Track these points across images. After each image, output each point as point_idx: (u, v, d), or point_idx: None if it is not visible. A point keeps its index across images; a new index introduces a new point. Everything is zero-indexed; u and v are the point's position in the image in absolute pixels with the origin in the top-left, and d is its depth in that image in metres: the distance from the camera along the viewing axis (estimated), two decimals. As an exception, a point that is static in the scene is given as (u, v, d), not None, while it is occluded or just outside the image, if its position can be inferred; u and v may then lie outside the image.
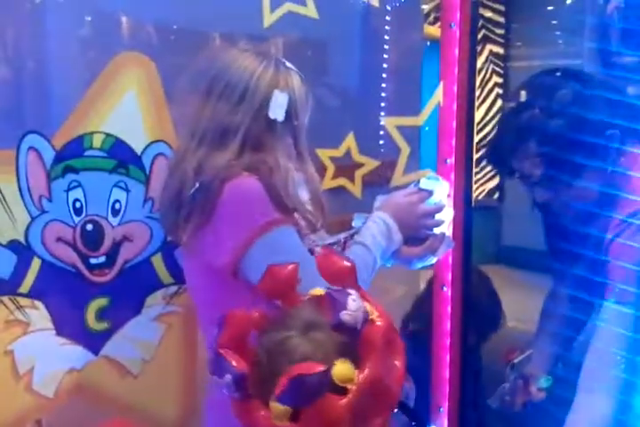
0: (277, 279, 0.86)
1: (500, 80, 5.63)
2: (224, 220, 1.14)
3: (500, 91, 5.62)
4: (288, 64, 1.24)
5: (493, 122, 5.58)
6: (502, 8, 5.62)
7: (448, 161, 1.52)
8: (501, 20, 5.63)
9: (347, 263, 0.88)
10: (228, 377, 0.81)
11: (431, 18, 4.32)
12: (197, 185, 1.15)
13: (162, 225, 1.30)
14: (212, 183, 1.13)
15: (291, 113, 1.20)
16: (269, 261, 1.13)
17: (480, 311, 1.78)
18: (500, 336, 2.02)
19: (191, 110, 1.23)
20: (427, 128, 1.81)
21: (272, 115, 1.18)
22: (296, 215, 1.19)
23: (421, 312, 2.00)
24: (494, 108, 5.60)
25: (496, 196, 5.64)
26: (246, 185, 1.14)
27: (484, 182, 5.47)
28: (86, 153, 1.34)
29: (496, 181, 5.62)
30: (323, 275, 0.88)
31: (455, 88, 1.50)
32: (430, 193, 1.33)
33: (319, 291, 0.84)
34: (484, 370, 1.97)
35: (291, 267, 0.86)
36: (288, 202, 1.15)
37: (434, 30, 4.35)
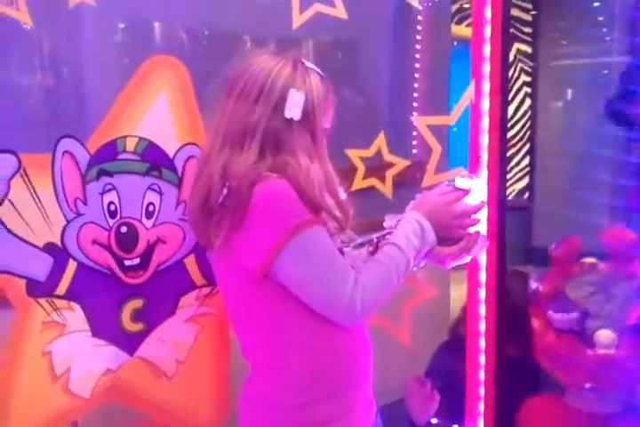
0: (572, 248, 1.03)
1: (528, 79, 5.57)
2: (256, 223, 1.14)
3: (529, 89, 5.57)
4: (307, 63, 1.24)
5: (523, 121, 5.53)
6: (530, 6, 5.57)
7: (480, 160, 1.50)
8: (529, 18, 5.58)
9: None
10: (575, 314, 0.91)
11: (456, 18, 4.31)
12: (225, 192, 1.16)
13: (193, 232, 1.30)
14: (241, 187, 1.14)
15: (308, 112, 1.20)
16: (301, 262, 1.14)
17: (521, 319, 1.76)
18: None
19: (216, 113, 1.24)
20: (455, 128, 1.80)
21: (288, 114, 1.18)
22: (324, 215, 1.19)
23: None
24: (523, 107, 5.54)
25: (526, 196, 5.58)
26: (276, 187, 1.14)
27: (514, 182, 5.42)
28: (120, 156, 1.35)
29: (526, 180, 5.57)
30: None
31: (487, 86, 1.48)
32: (466, 192, 1.31)
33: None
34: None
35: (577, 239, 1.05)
36: (317, 202, 1.15)
37: (460, 30, 4.35)
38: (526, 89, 5.56)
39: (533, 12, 5.51)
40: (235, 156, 1.18)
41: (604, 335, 1.76)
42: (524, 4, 5.55)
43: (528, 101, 5.57)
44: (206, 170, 1.20)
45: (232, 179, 1.15)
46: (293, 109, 1.18)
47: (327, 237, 1.17)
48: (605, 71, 4.79)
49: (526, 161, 5.56)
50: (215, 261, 1.29)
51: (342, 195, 1.23)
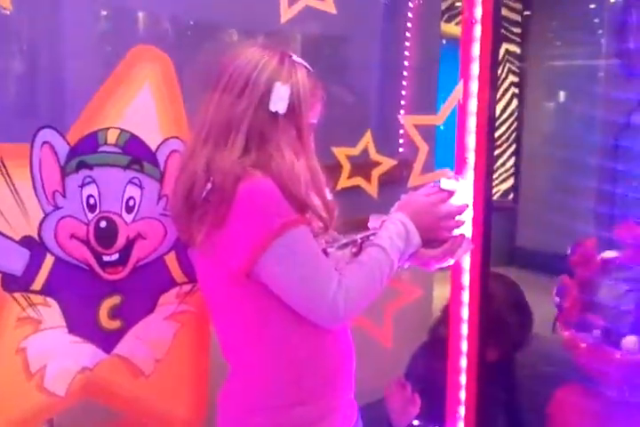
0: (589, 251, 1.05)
1: (515, 79, 5.59)
2: (239, 221, 1.13)
3: (516, 90, 5.58)
4: (295, 57, 1.22)
5: (509, 121, 5.55)
6: (519, 6, 5.58)
7: (467, 161, 1.49)
8: (518, 18, 5.59)
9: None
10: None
11: (446, 16, 4.31)
12: (209, 186, 1.13)
13: (175, 226, 1.28)
14: (225, 183, 1.12)
15: (294, 106, 1.18)
16: (285, 262, 1.13)
17: (502, 323, 1.76)
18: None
19: (201, 106, 1.22)
20: (442, 127, 1.78)
21: (273, 107, 1.16)
22: (308, 214, 1.17)
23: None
24: (510, 108, 5.56)
25: (511, 197, 5.60)
26: (261, 186, 1.13)
27: (499, 183, 5.44)
28: (101, 149, 1.32)
29: (511, 181, 5.59)
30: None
31: (476, 86, 1.47)
32: (451, 194, 1.30)
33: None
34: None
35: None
36: (301, 199, 1.13)
37: (449, 28, 4.34)
38: (514, 90, 5.58)
39: (525, 13, 5.53)
40: (219, 150, 1.16)
41: (631, 342, 1.79)
42: (514, 4, 5.56)
43: (515, 102, 5.59)
44: (190, 164, 1.18)
45: (216, 174, 1.13)
46: (278, 103, 1.16)
47: (311, 237, 1.16)
48: (600, 74, 4.82)
49: (512, 162, 5.58)
50: (196, 258, 1.27)
51: (328, 194, 1.21)
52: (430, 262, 1.32)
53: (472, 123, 1.48)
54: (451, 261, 1.34)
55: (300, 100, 1.19)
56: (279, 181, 1.12)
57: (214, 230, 1.15)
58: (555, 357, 2.16)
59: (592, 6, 5.04)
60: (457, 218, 1.30)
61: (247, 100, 1.16)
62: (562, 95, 5.48)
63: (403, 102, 1.64)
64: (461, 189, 1.32)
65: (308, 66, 1.23)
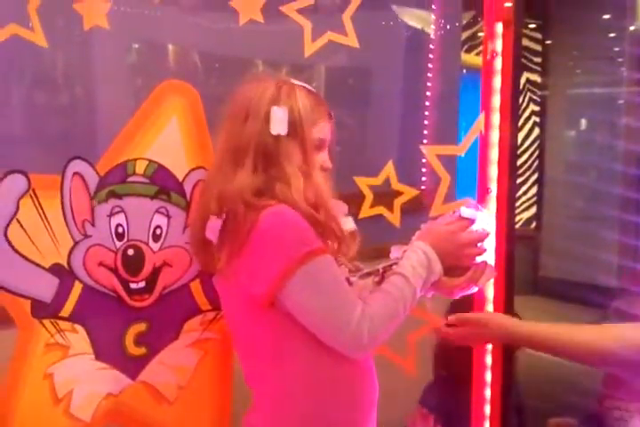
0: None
1: (536, 108, 5.60)
2: (263, 250, 1.14)
3: (537, 119, 5.59)
4: (294, 81, 1.26)
5: (531, 150, 5.54)
6: (539, 36, 5.62)
7: (489, 191, 1.50)
8: (539, 47, 5.62)
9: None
10: None
11: (466, 46, 4.36)
12: (224, 216, 1.16)
13: (194, 256, 1.31)
14: (237, 211, 1.15)
15: (295, 125, 1.21)
16: (309, 290, 1.14)
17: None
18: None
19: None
20: (463, 156, 1.79)
21: (273, 131, 1.20)
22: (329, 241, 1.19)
23: (450, 355, 1.97)
24: (531, 137, 5.56)
25: (533, 225, 5.57)
26: (284, 214, 1.15)
27: (521, 211, 5.42)
28: (129, 179, 1.36)
29: (533, 210, 5.56)
30: None
31: (497, 118, 1.49)
32: (472, 221, 1.30)
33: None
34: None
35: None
36: (321, 219, 1.15)
37: (470, 58, 4.37)
38: (535, 118, 5.58)
39: (546, 42, 5.55)
40: (229, 177, 1.19)
41: None
42: (534, 34, 5.60)
43: (536, 131, 5.59)
44: (205, 195, 1.23)
45: (227, 203, 1.17)
46: (278, 125, 1.20)
47: (336, 266, 1.17)
48: (621, 102, 4.81)
49: (534, 190, 5.56)
50: (220, 286, 1.29)
51: (333, 209, 1.22)
52: (454, 290, 1.32)
53: (494, 153, 1.49)
54: (474, 289, 1.35)
55: (301, 118, 1.22)
56: (303, 211, 1.14)
57: (234, 259, 1.17)
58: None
59: (612, 35, 5.06)
60: (478, 245, 1.30)
61: (251, 125, 1.20)
62: (583, 123, 5.48)
63: (425, 132, 1.66)
64: (482, 217, 1.33)
65: (308, 87, 1.27)
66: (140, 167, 1.36)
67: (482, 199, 1.54)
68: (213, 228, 1.18)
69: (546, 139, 5.54)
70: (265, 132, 1.20)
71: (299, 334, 1.17)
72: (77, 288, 1.31)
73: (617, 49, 5.00)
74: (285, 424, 1.20)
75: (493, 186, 1.51)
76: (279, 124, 1.20)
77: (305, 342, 1.18)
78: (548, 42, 5.58)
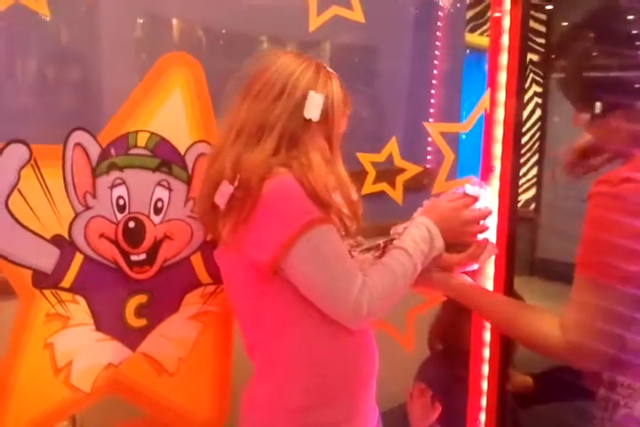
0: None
1: (539, 89, 5.57)
2: (266, 217, 1.14)
3: (540, 100, 5.56)
4: (329, 68, 1.25)
5: (532, 131, 5.52)
6: (543, 17, 5.57)
7: (493, 169, 1.49)
8: (542, 29, 5.57)
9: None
10: None
11: (470, 26, 4.31)
12: (236, 184, 1.15)
13: (200, 220, 1.30)
14: (251, 181, 1.14)
15: (327, 115, 1.22)
16: (312, 258, 1.14)
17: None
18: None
19: (232, 106, 1.25)
20: (463, 136, 1.79)
21: (307, 114, 1.19)
22: (333, 217, 1.19)
23: (447, 330, 1.99)
24: (533, 118, 5.53)
25: (532, 207, 5.57)
26: (286, 182, 1.15)
27: (521, 193, 5.41)
28: (131, 151, 1.35)
29: (532, 192, 5.55)
30: None
31: (503, 95, 1.48)
32: (475, 199, 1.30)
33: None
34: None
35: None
36: (325, 201, 1.15)
37: (473, 38, 4.34)
38: (537, 99, 5.55)
39: (551, 23, 5.50)
40: (249, 149, 1.18)
41: None
42: (538, 15, 5.54)
43: (538, 112, 5.56)
44: (218, 162, 1.21)
45: (244, 171, 1.16)
46: (313, 111, 1.19)
47: (338, 236, 1.17)
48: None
49: (534, 172, 5.55)
50: (222, 256, 1.29)
51: (355, 197, 1.23)
52: (454, 267, 1.32)
53: (499, 131, 1.48)
54: (475, 266, 1.35)
55: (334, 110, 1.22)
56: (302, 180, 1.14)
57: (239, 227, 1.17)
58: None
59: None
60: (481, 223, 1.31)
61: (283, 105, 1.18)
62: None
63: (432, 111, 1.65)
64: (485, 195, 1.33)
65: (340, 78, 1.26)
66: (142, 139, 1.35)
67: (485, 177, 1.54)
68: (224, 193, 1.17)
69: (547, 120, 5.52)
70: (296, 115, 1.19)
71: (300, 305, 1.18)
72: (78, 259, 1.31)
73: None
74: (286, 395, 1.21)
75: (497, 164, 1.51)
76: (314, 109, 1.19)
77: (307, 313, 1.18)
78: (551, 22, 5.52)
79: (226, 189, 1.17)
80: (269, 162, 1.16)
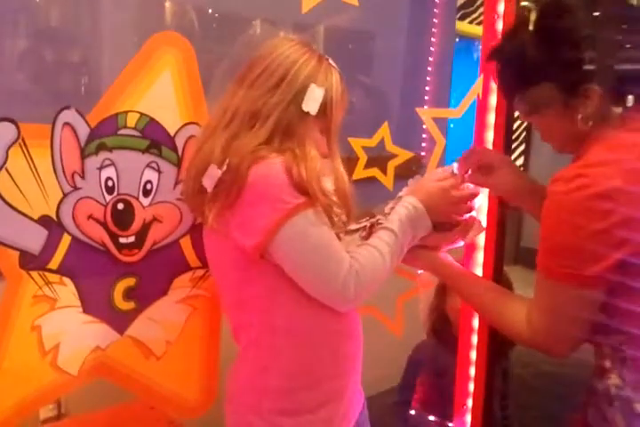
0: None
1: (527, 80, 5.57)
2: (252, 201, 1.14)
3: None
4: (331, 61, 1.24)
5: (518, 122, 5.53)
6: (532, 6, 5.56)
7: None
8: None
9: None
10: None
11: (459, 13, 4.30)
12: (225, 167, 1.14)
13: (187, 203, 1.29)
14: (240, 166, 1.13)
15: (326, 109, 1.20)
16: (299, 242, 1.13)
17: None
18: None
19: (225, 92, 1.23)
20: (451, 125, 1.79)
21: (305, 107, 1.17)
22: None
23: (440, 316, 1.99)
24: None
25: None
26: (273, 167, 1.13)
27: (506, 182, 5.42)
28: (120, 132, 1.33)
29: (518, 181, 5.57)
30: None
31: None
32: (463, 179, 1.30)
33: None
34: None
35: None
36: (309, 188, 1.13)
37: (463, 26, 4.33)
38: (524, 90, 5.56)
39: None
40: (241, 135, 1.17)
41: None
42: (527, 4, 5.54)
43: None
44: (208, 144, 1.19)
45: (234, 156, 1.14)
46: (311, 104, 1.18)
47: (325, 219, 1.16)
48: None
49: (520, 162, 5.58)
50: (208, 239, 1.28)
51: (350, 193, 1.22)
52: (441, 244, 1.32)
53: (491, 118, 1.48)
54: (461, 243, 1.35)
55: (332, 104, 1.21)
56: (291, 168, 1.13)
57: (226, 211, 1.16)
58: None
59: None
60: (469, 202, 1.31)
61: (281, 94, 1.17)
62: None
63: (427, 97, 1.65)
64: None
65: (340, 71, 1.25)
66: (132, 120, 1.34)
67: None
68: (212, 176, 1.16)
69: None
70: (294, 106, 1.17)
71: (287, 288, 1.17)
72: (66, 241, 1.29)
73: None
74: (271, 376, 1.21)
75: (488, 150, 1.50)
76: (313, 102, 1.18)
77: (293, 296, 1.18)
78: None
79: (214, 173, 1.16)
80: (262, 148, 1.15)
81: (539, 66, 1.11)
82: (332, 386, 1.24)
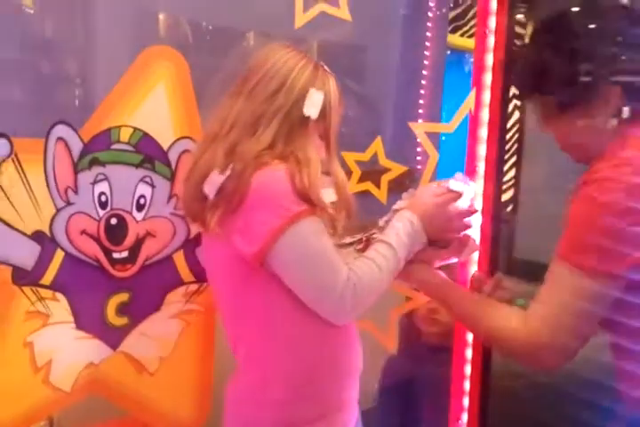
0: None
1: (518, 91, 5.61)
2: (254, 207, 1.13)
3: (519, 102, 5.59)
4: (326, 67, 1.25)
5: (511, 133, 5.55)
6: (524, 19, 5.61)
7: (477, 169, 1.49)
8: (522, 30, 5.61)
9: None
10: None
11: (451, 27, 4.34)
12: (229, 172, 1.14)
13: (185, 211, 1.28)
14: (244, 172, 1.13)
15: (325, 114, 1.22)
16: (298, 250, 1.14)
17: None
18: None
19: (223, 101, 1.23)
20: (443, 137, 1.79)
21: (306, 111, 1.18)
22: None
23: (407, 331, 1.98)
24: (512, 120, 5.56)
25: (509, 208, 5.60)
26: (275, 174, 1.14)
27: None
28: (113, 146, 1.33)
29: (510, 193, 5.59)
30: None
31: (488, 96, 1.48)
32: (460, 195, 1.30)
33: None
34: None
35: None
36: (312, 194, 1.14)
37: (454, 39, 4.36)
38: (516, 102, 5.58)
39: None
40: (244, 140, 1.17)
41: None
42: (518, 17, 5.58)
43: (517, 114, 5.59)
44: (209, 151, 1.19)
45: (238, 161, 1.14)
46: (312, 108, 1.19)
47: (324, 229, 1.16)
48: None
49: (512, 174, 5.59)
50: (208, 248, 1.27)
51: (351, 197, 1.24)
52: (433, 261, 1.32)
53: (484, 132, 1.48)
54: (454, 260, 1.35)
55: (331, 109, 1.22)
56: (294, 174, 1.13)
57: (228, 217, 1.15)
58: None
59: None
60: (465, 220, 1.31)
61: (282, 99, 1.18)
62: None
63: (420, 111, 1.66)
64: (469, 191, 1.33)
65: (335, 78, 1.26)
66: (125, 135, 1.34)
67: (470, 178, 1.54)
68: (214, 182, 1.15)
69: (526, 122, 5.54)
70: (294, 111, 1.18)
71: (287, 299, 1.17)
72: (59, 256, 1.29)
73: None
74: (270, 390, 1.20)
75: (481, 165, 1.51)
76: (314, 107, 1.19)
77: (292, 308, 1.17)
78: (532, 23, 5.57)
79: (216, 179, 1.15)
80: (265, 154, 1.15)
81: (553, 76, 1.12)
82: (330, 399, 1.24)
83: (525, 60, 1.20)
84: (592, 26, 1.12)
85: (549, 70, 1.14)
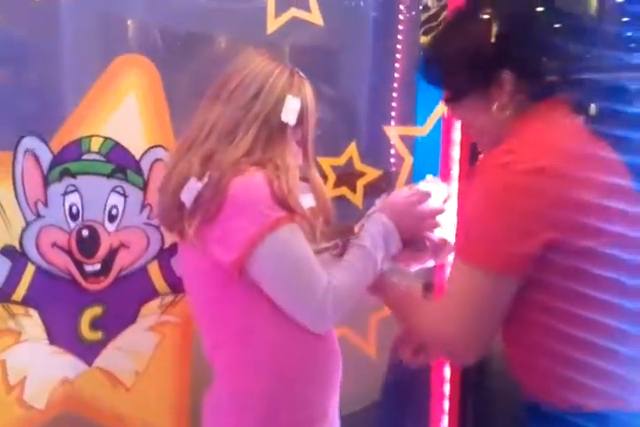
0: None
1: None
2: (232, 215, 1.12)
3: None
4: (301, 73, 1.25)
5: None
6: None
7: (451, 172, 1.50)
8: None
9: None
10: None
11: (423, 28, 4.36)
12: (206, 180, 1.13)
13: (162, 220, 1.26)
14: (222, 179, 1.12)
15: (302, 120, 1.21)
16: (277, 258, 1.13)
17: None
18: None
19: (199, 109, 1.22)
20: (419, 140, 1.79)
21: (284, 118, 1.18)
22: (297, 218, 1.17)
23: None
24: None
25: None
26: (253, 181, 1.13)
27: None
28: (84, 157, 1.31)
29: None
30: None
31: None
32: (429, 195, 1.31)
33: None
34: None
35: None
36: (290, 201, 1.13)
37: (426, 40, 4.37)
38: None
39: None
40: (221, 148, 1.16)
41: None
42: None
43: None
44: (186, 158, 1.17)
45: (215, 169, 1.13)
46: (290, 114, 1.19)
47: (303, 236, 1.16)
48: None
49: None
50: (185, 257, 1.25)
51: (329, 202, 1.24)
52: (411, 263, 1.33)
53: (457, 135, 1.49)
54: (431, 263, 1.36)
55: (308, 114, 1.22)
56: (273, 181, 1.13)
57: (206, 225, 1.14)
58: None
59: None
60: (436, 218, 1.31)
61: (259, 106, 1.17)
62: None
63: (393, 114, 1.66)
64: (440, 192, 1.34)
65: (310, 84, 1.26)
66: (96, 144, 1.32)
67: (445, 180, 1.54)
68: (191, 190, 1.14)
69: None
70: (272, 117, 1.17)
71: (265, 307, 1.16)
72: (30, 271, 1.27)
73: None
74: (248, 399, 1.19)
75: (455, 167, 1.51)
76: (291, 113, 1.19)
77: (272, 314, 1.16)
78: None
79: (194, 186, 1.14)
80: (243, 161, 1.15)
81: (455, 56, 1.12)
82: (314, 407, 1.23)
83: (425, 50, 1.22)
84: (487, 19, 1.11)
85: (443, 59, 1.14)
